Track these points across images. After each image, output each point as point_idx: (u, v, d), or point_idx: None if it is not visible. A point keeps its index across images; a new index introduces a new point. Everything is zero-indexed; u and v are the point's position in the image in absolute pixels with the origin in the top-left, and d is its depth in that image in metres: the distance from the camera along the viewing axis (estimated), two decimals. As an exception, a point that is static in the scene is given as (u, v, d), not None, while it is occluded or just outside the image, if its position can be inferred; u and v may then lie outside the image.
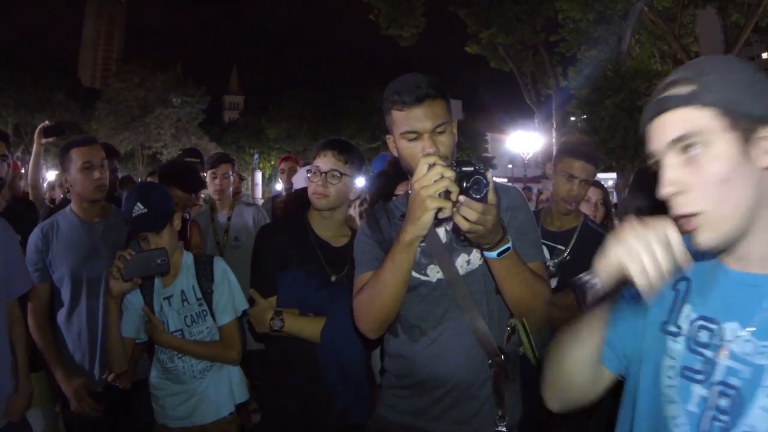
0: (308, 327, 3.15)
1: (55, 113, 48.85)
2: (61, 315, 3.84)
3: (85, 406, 3.76)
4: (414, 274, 2.47)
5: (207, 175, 5.59)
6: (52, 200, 6.91)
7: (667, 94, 1.42)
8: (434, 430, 2.52)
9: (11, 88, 49.46)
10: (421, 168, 2.03)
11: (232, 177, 5.66)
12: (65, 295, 3.80)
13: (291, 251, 3.24)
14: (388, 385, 2.75)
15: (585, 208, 5.34)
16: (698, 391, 1.46)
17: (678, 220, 1.38)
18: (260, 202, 14.33)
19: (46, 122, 5.34)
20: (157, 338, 3.31)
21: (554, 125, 32.80)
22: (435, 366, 2.49)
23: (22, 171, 5.86)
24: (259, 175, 36.06)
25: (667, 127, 1.41)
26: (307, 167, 3.35)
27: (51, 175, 11.51)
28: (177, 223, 3.50)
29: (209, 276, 3.45)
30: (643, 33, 24.18)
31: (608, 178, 24.73)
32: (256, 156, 60.63)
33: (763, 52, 73.99)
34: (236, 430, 3.55)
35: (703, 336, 1.48)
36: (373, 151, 48.41)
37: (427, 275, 2.53)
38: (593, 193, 5.39)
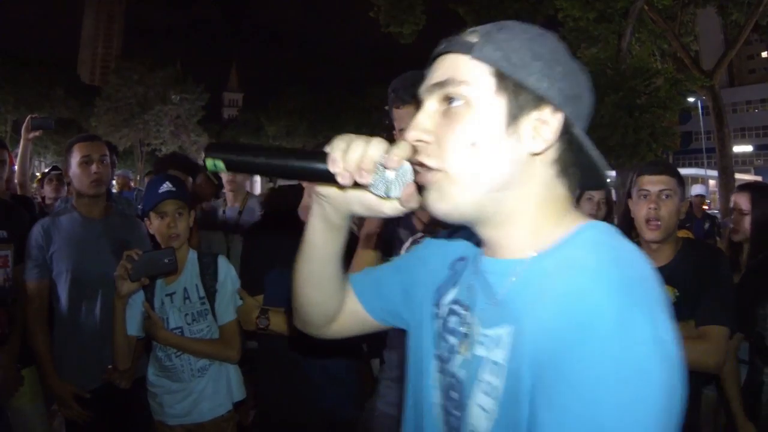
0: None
1: (54, 110, 48.88)
2: (59, 312, 3.81)
3: (72, 413, 3.74)
4: (409, 239, 2.48)
5: None
6: (42, 197, 6.88)
7: (453, 38, 1.28)
8: None
9: (10, 85, 49.56)
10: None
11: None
12: (63, 291, 3.77)
13: (279, 249, 3.21)
14: (383, 376, 2.77)
15: (587, 207, 5.34)
16: (444, 380, 1.37)
17: (417, 170, 1.26)
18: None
19: (34, 114, 5.28)
20: (157, 335, 3.29)
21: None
22: None
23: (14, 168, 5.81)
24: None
25: (437, 69, 1.27)
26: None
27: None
28: (191, 220, 3.50)
29: (213, 275, 3.44)
30: (643, 31, 24.14)
31: (607, 177, 24.72)
32: (255, 153, 60.76)
33: (763, 51, 74.05)
34: (234, 428, 3.55)
35: (453, 321, 1.38)
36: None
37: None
38: (596, 192, 5.39)
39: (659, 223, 3.07)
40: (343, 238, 1.48)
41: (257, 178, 34.95)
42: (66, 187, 6.15)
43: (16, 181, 5.48)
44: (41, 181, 7.65)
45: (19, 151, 5.24)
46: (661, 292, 1.11)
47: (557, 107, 1.21)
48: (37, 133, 5.06)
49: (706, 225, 11.41)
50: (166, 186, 3.30)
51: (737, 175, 26.13)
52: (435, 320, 1.46)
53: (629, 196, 3.29)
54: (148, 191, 3.39)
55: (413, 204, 1.26)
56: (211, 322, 3.41)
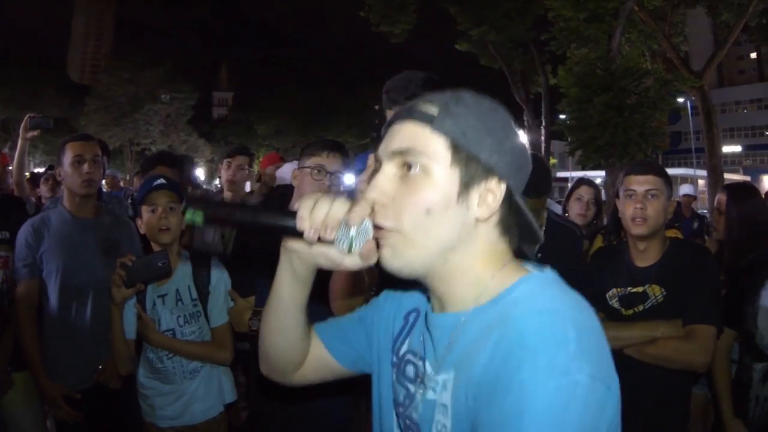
0: None
1: (43, 109, 48.47)
2: (48, 312, 3.80)
3: (62, 414, 3.74)
4: None
5: (222, 165, 5.55)
6: (39, 196, 6.85)
7: (414, 105, 1.38)
8: None
9: (-1, 84, 49.24)
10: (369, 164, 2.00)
11: (247, 171, 5.56)
12: (53, 291, 3.75)
13: (271, 250, 3.19)
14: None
15: (576, 207, 5.37)
16: (400, 423, 1.49)
17: (376, 229, 1.35)
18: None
19: (32, 114, 5.24)
20: (149, 338, 3.28)
21: (543, 123, 32.90)
22: None
23: (10, 168, 5.76)
24: (248, 172, 36.00)
25: (397, 136, 1.36)
26: (300, 164, 3.31)
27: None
28: (183, 221, 3.48)
29: (206, 277, 3.44)
30: (633, 32, 24.21)
31: (597, 176, 24.79)
32: (244, 153, 60.41)
33: (752, 51, 74.29)
34: (225, 429, 3.55)
35: (409, 370, 1.49)
36: (363, 148, 48.54)
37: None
38: (585, 192, 5.42)
39: (645, 220, 3.12)
40: (308, 290, 1.59)
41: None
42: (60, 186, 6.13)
43: (12, 180, 5.46)
44: (32, 180, 7.62)
45: (17, 150, 5.21)
46: (588, 332, 1.19)
47: (502, 178, 1.32)
48: (35, 133, 5.01)
49: (695, 224, 11.46)
50: (159, 181, 3.33)
51: (726, 175, 26.26)
52: (392, 368, 1.56)
53: (617, 195, 3.33)
54: (143, 186, 3.40)
55: (372, 259, 1.36)
56: (203, 323, 3.41)
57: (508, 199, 1.34)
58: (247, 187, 6.50)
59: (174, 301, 3.38)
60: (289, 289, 1.58)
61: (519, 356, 1.12)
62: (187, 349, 3.34)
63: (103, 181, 8.83)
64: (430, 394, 1.36)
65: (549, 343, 1.13)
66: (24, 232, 3.77)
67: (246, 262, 3.30)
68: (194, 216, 1.33)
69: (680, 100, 29.14)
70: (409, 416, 1.44)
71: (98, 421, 3.78)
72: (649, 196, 3.14)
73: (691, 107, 33.99)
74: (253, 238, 3.30)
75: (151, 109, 56.93)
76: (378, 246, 1.35)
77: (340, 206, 1.33)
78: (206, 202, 1.40)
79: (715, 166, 23.78)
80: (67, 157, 3.83)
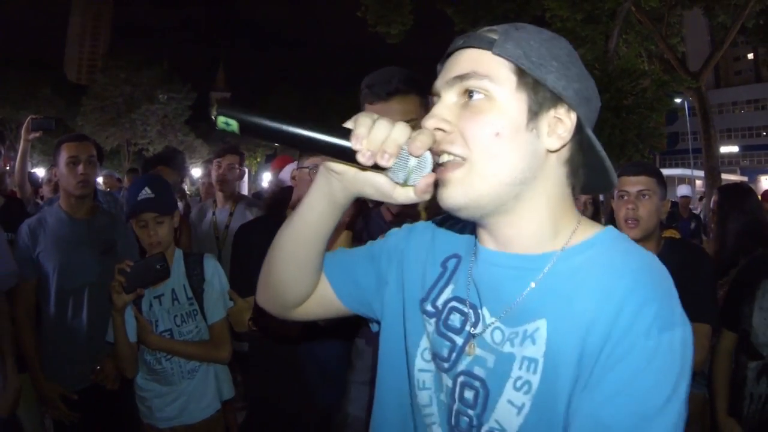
0: (286, 326, 3.13)
1: (40, 109, 48.42)
2: (45, 312, 3.80)
3: (59, 414, 3.74)
4: None
5: (212, 165, 5.51)
6: (41, 197, 6.85)
7: (472, 34, 1.30)
8: None
9: (-5, 84, 49.15)
10: None
11: (238, 170, 5.50)
12: (50, 291, 3.76)
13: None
14: (351, 378, 2.76)
15: (573, 207, 5.37)
16: (445, 380, 1.36)
17: (439, 156, 1.26)
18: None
19: (35, 115, 5.24)
20: (147, 340, 3.27)
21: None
22: None
23: (7, 168, 5.76)
24: (245, 172, 36.03)
25: (455, 63, 1.29)
26: (297, 165, 3.30)
27: (38, 173, 11.42)
28: (176, 219, 3.49)
29: (200, 275, 3.42)
30: (630, 33, 24.22)
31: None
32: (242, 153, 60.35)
33: (749, 52, 74.39)
34: (223, 427, 3.54)
35: (455, 320, 1.39)
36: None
37: None
38: (582, 192, 5.42)
39: (638, 221, 3.17)
40: (338, 219, 1.46)
41: (245, 180, 34.82)
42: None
43: (15, 181, 5.45)
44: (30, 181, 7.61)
45: (19, 152, 5.20)
46: (675, 289, 1.21)
47: (572, 107, 1.25)
48: (37, 134, 5.01)
49: (692, 225, 11.47)
50: (145, 193, 3.26)
51: (724, 176, 26.30)
52: (428, 319, 1.44)
53: (613, 197, 3.36)
54: (129, 195, 3.36)
55: (427, 195, 1.25)
56: (199, 322, 3.40)
57: (578, 134, 1.28)
58: (244, 189, 6.48)
59: (170, 301, 3.37)
60: (319, 216, 1.43)
61: (640, 307, 1.13)
62: (185, 349, 3.33)
63: (99, 179, 8.82)
64: (508, 347, 1.26)
65: (664, 294, 1.17)
66: (21, 233, 3.77)
67: (246, 260, 3.29)
68: (228, 124, 1.21)
69: (677, 101, 29.25)
70: (466, 372, 1.32)
71: (95, 421, 3.78)
72: (642, 197, 3.20)
73: (689, 108, 34.12)
74: (255, 236, 3.30)
75: (148, 110, 56.80)
76: (439, 183, 1.26)
77: (401, 131, 1.21)
78: (243, 106, 1.23)
79: (713, 166, 23.79)
80: (63, 158, 3.83)
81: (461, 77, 1.25)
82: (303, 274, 1.56)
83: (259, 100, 68.16)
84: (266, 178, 19.06)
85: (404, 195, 1.28)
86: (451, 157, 1.25)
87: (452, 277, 1.45)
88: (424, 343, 1.44)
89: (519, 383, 1.22)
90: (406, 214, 2.44)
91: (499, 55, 1.23)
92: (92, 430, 3.81)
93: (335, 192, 1.37)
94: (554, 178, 1.29)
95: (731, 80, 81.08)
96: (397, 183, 1.26)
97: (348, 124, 1.24)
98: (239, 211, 5.36)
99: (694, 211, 13.45)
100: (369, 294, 1.61)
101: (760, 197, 5.61)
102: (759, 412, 3.19)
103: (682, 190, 12.82)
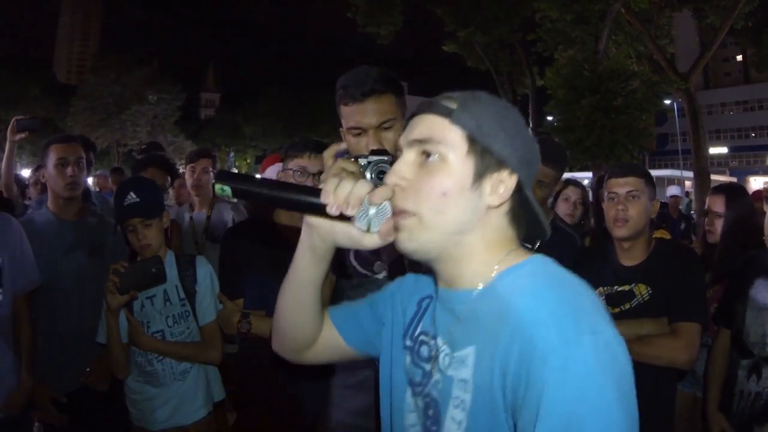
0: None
1: (30, 109, 48.15)
2: (34, 314, 3.75)
3: (49, 416, 3.72)
4: (361, 269, 2.47)
5: (186, 170, 5.47)
6: (29, 198, 6.80)
7: (435, 100, 1.48)
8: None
9: (-16, 84, 48.93)
10: (326, 161, 1.93)
11: (212, 173, 5.42)
12: (39, 293, 3.72)
13: (257, 253, 3.18)
14: (335, 383, 2.75)
15: (563, 207, 5.38)
16: (419, 402, 1.54)
17: (394, 212, 1.44)
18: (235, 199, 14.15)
19: (20, 116, 5.20)
20: (138, 341, 3.25)
21: (530, 125, 32.98)
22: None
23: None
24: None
25: (417, 126, 1.47)
26: (284, 166, 3.29)
27: (26, 174, 11.34)
28: (166, 220, 3.48)
29: (192, 275, 3.41)
30: (620, 34, 24.29)
31: (584, 178, 24.87)
32: (231, 154, 60.34)
33: (738, 54, 74.81)
34: (214, 430, 3.53)
35: (424, 350, 1.56)
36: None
37: (373, 271, 2.53)
38: (572, 193, 5.44)
39: (627, 221, 3.22)
40: (326, 269, 1.65)
41: (235, 179, 34.92)
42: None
43: (2, 182, 5.39)
44: (17, 182, 7.55)
45: (5, 153, 5.16)
46: (595, 301, 1.34)
47: (513, 170, 1.43)
48: (23, 135, 4.96)
49: (682, 225, 11.53)
50: (130, 198, 3.23)
51: (713, 177, 26.40)
52: (406, 352, 1.63)
53: (602, 199, 3.40)
54: (116, 200, 3.34)
55: (390, 238, 1.44)
56: (191, 323, 3.39)
57: (518, 192, 1.44)
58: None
59: (162, 301, 3.36)
60: (307, 266, 1.64)
61: (543, 327, 1.22)
62: (177, 350, 3.31)
63: (90, 180, 8.76)
64: (450, 371, 1.43)
65: (568, 309, 1.27)
66: (9, 234, 3.74)
67: (233, 264, 3.28)
68: (224, 190, 1.41)
69: (667, 102, 29.32)
70: (428, 394, 1.50)
71: (85, 424, 3.76)
72: (630, 198, 3.24)
73: (678, 109, 34.21)
74: (241, 239, 3.29)
75: (138, 110, 56.73)
76: (395, 229, 1.43)
77: (363, 186, 1.41)
78: (234, 177, 1.46)
79: (702, 167, 23.91)
80: (51, 160, 3.81)
81: (420, 141, 1.44)
82: (304, 318, 1.75)
83: (249, 101, 68.12)
84: (256, 179, 18.99)
85: (371, 240, 1.48)
86: (405, 210, 1.42)
87: (424, 315, 1.63)
88: (406, 373, 1.62)
89: (457, 402, 1.40)
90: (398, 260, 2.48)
91: (455, 124, 1.41)
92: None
93: (316, 243, 1.58)
94: (494, 227, 1.45)
95: (720, 81, 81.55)
96: (363, 231, 1.45)
97: (320, 185, 1.45)
98: (216, 213, 5.35)
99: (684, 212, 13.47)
100: (372, 336, 1.80)
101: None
102: (748, 408, 3.22)
103: (672, 190, 12.86)
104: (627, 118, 21.85)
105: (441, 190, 1.39)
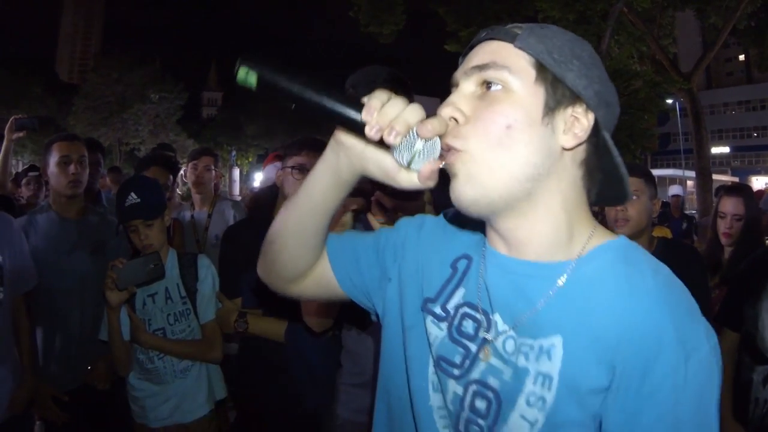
0: (272, 328, 3.12)
1: (31, 108, 48.30)
2: (35, 312, 3.76)
3: (51, 415, 3.72)
4: None
5: (188, 168, 5.48)
6: (20, 197, 6.80)
7: (495, 27, 1.28)
8: None
9: (-14, 82, 48.97)
10: None
11: (214, 171, 5.47)
12: (40, 291, 3.72)
13: (257, 252, 3.16)
14: (341, 381, 2.74)
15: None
16: (453, 387, 1.32)
17: (444, 150, 1.22)
18: (237, 199, 14.18)
19: (18, 115, 5.22)
20: (139, 338, 3.25)
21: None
22: None
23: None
24: (236, 172, 36.07)
25: (477, 54, 1.26)
26: (281, 164, 3.29)
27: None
28: (168, 218, 3.48)
29: (194, 274, 3.41)
30: (622, 34, 24.24)
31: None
32: (233, 153, 60.31)
33: (740, 54, 74.78)
34: (216, 428, 3.53)
35: (467, 326, 1.34)
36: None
37: None
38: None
39: (628, 221, 3.25)
40: (344, 197, 1.42)
41: (236, 178, 34.80)
42: (45, 187, 6.09)
43: None
44: (16, 180, 7.56)
45: (2, 151, 5.17)
46: (694, 301, 1.21)
47: (590, 108, 1.21)
48: (21, 134, 4.98)
49: (684, 225, 11.51)
50: (131, 199, 3.24)
51: (715, 176, 26.36)
52: (434, 321, 1.40)
53: None
54: (117, 201, 3.34)
55: (431, 183, 1.21)
56: (192, 321, 3.39)
57: (595, 136, 1.24)
58: (235, 189, 6.45)
59: (164, 299, 3.36)
60: (324, 190, 1.40)
61: (665, 335, 1.11)
62: (177, 348, 3.32)
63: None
64: (521, 360, 1.22)
65: (684, 314, 1.16)
66: (11, 232, 3.74)
67: (233, 262, 3.28)
68: (248, 77, 1.19)
69: (669, 101, 29.30)
70: (479, 381, 1.28)
71: (87, 422, 3.76)
72: (631, 198, 3.19)
73: (680, 109, 34.16)
74: (241, 237, 3.29)
75: (140, 109, 56.79)
76: (451, 172, 1.22)
77: (414, 112, 1.18)
78: (265, 62, 1.20)
79: (704, 167, 23.84)
80: (53, 158, 3.81)
81: (480, 67, 1.23)
82: (304, 248, 1.53)
83: (251, 100, 68.17)
84: (258, 178, 19.01)
85: (408, 179, 1.24)
86: (453, 150, 1.21)
87: (462, 280, 1.40)
88: (433, 347, 1.39)
89: (533, 399, 1.19)
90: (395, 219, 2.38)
91: (521, 48, 1.21)
92: (83, 430, 3.79)
93: (341, 167, 1.34)
94: (569, 178, 1.24)
95: (722, 81, 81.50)
96: (401, 165, 1.22)
97: (364, 99, 1.21)
98: (217, 212, 5.35)
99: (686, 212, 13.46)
100: (370, 285, 1.58)
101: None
102: (765, 416, 3.18)
103: (674, 189, 12.83)
104: (629, 118, 21.80)
105: (505, 122, 1.17)
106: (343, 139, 1.30)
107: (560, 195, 1.23)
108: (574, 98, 1.21)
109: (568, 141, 1.21)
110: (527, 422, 1.19)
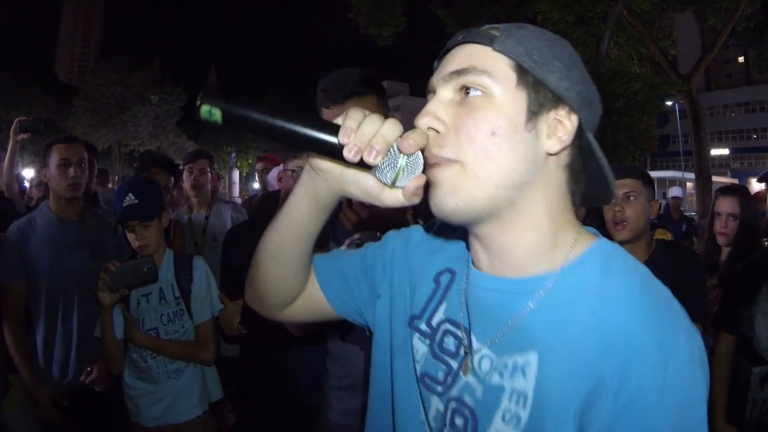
0: (273, 330, 3.12)
1: (31, 109, 48.35)
2: (35, 314, 3.78)
3: (49, 416, 3.72)
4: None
5: (184, 171, 5.48)
6: (30, 198, 6.82)
7: (472, 30, 1.21)
8: None
9: (-14, 84, 48.98)
10: None
11: (210, 174, 5.47)
12: (39, 292, 3.74)
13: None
14: (329, 385, 2.75)
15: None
16: (436, 403, 1.30)
17: (428, 163, 1.16)
18: (237, 200, 14.16)
19: (23, 117, 5.23)
20: (132, 337, 3.27)
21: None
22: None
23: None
24: (236, 174, 35.98)
25: (455, 58, 1.20)
26: (282, 167, 3.30)
27: (28, 173, 11.34)
28: (165, 220, 3.49)
29: (188, 275, 3.42)
30: (621, 35, 24.28)
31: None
32: (233, 154, 60.29)
33: (740, 55, 74.83)
34: (212, 429, 3.53)
35: (449, 343, 1.31)
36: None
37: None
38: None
39: (625, 223, 3.25)
40: (325, 219, 1.37)
41: (235, 180, 34.74)
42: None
43: (3, 181, 5.43)
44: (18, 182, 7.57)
45: (7, 153, 5.19)
46: (678, 304, 1.15)
47: (573, 109, 1.17)
48: (25, 136, 5.00)
49: (684, 226, 11.51)
50: (129, 200, 3.25)
51: (714, 178, 26.38)
52: (419, 337, 1.38)
53: None
54: (116, 201, 3.35)
55: (417, 199, 1.17)
56: (186, 322, 3.40)
57: (579, 138, 1.19)
58: (235, 191, 6.47)
59: (158, 299, 3.37)
60: (303, 215, 1.35)
61: (640, 341, 1.05)
62: (169, 348, 3.33)
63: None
64: (494, 378, 1.19)
65: (661, 316, 1.10)
66: (10, 233, 3.75)
67: (236, 263, 3.28)
68: (211, 113, 1.12)
69: (668, 103, 29.32)
70: (457, 399, 1.25)
71: (86, 424, 3.76)
72: (628, 199, 3.28)
73: (679, 110, 34.18)
74: (244, 238, 3.29)
75: (140, 111, 56.77)
76: (433, 184, 1.16)
77: (392, 128, 1.12)
78: (228, 97, 1.14)
79: (703, 168, 23.86)
80: (53, 160, 3.81)
81: (459, 72, 1.17)
82: (289, 273, 1.49)
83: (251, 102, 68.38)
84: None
85: (393, 198, 1.20)
86: (443, 160, 1.15)
87: (445, 296, 1.37)
88: (417, 363, 1.37)
89: (508, 416, 1.16)
90: (369, 225, 2.35)
91: (500, 51, 1.15)
92: (82, 431, 3.79)
93: (320, 191, 1.29)
94: (554, 184, 1.20)
95: (722, 83, 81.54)
96: (385, 184, 1.17)
97: (338, 121, 1.15)
98: (215, 213, 5.37)
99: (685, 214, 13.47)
100: (360, 303, 1.55)
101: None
102: (763, 417, 3.18)
103: (674, 191, 12.83)
104: (628, 119, 21.83)
105: (489, 129, 1.11)
106: (318, 164, 1.24)
107: (545, 202, 1.19)
108: (557, 101, 1.16)
109: (553, 146, 1.17)
110: None
